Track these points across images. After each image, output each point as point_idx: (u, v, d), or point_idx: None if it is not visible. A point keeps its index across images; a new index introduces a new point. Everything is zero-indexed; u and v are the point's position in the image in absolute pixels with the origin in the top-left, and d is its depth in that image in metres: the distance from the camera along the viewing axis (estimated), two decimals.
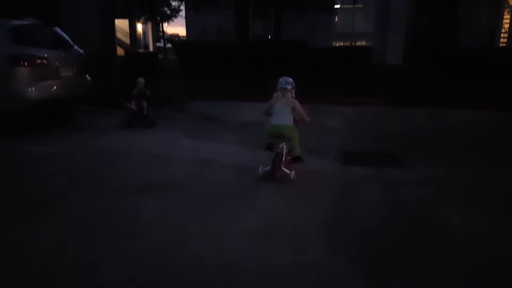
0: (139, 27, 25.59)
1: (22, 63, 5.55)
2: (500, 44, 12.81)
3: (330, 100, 8.34)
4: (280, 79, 4.04)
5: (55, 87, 6.00)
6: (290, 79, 4.04)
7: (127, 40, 24.00)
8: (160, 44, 25.58)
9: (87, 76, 6.98)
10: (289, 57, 11.84)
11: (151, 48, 25.74)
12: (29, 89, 5.65)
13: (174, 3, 21.37)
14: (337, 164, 4.52)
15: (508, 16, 12.91)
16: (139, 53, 14.80)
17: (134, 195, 3.62)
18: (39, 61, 5.75)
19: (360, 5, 15.04)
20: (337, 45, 16.22)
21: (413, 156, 4.77)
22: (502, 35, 12.89)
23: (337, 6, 13.79)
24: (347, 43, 16.09)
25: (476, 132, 6.04)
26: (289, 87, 3.99)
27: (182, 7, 21.01)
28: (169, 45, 23.45)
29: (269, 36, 16.94)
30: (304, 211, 3.30)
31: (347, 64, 12.58)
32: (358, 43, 16.12)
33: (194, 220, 3.13)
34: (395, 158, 4.70)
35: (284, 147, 3.95)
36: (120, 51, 20.46)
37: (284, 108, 3.93)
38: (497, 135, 5.88)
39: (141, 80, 6.28)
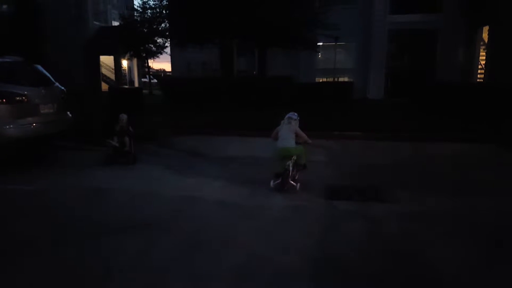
0: (124, 63, 25.88)
1: (1, 100, 5.47)
2: (478, 80, 13.39)
3: (314, 134, 8.40)
4: (287, 115, 4.96)
5: (34, 124, 5.90)
6: (295, 113, 4.97)
7: (112, 76, 24.16)
8: (146, 80, 25.80)
9: (68, 113, 6.91)
10: (274, 92, 12.07)
11: (136, 84, 25.91)
12: (7, 127, 5.53)
13: (159, 40, 21.65)
14: (321, 199, 4.47)
15: (484, 53, 13.60)
16: (123, 89, 14.81)
17: (113, 235, 3.48)
18: (18, 98, 5.68)
19: (342, 43, 15.60)
20: (320, 80, 16.60)
21: (396, 190, 4.77)
22: (479, 71, 13.51)
23: (320, 43, 14.25)
24: (330, 79, 16.48)
25: (458, 165, 6.15)
26: (294, 117, 4.90)
27: (168, 44, 21.38)
28: (154, 80, 23.71)
29: (254, 72, 17.32)
30: (287, 248, 3.21)
31: (330, 99, 12.90)
32: (341, 79, 16.52)
33: (175, 262, 3.00)
34: (379, 192, 4.70)
35: (291, 165, 4.67)
36: (105, 87, 20.54)
37: (288, 133, 4.78)
38: (479, 168, 5.98)
39: (123, 117, 6.23)
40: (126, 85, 22.31)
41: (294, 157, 4.74)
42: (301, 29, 12.36)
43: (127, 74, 26.18)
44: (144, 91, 16.65)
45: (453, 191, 4.77)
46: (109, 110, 10.14)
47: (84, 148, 7.41)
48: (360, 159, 6.58)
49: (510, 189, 4.89)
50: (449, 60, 13.43)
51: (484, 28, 13.35)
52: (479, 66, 13.63)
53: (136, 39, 19.75)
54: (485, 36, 13.37)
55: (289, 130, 4.79)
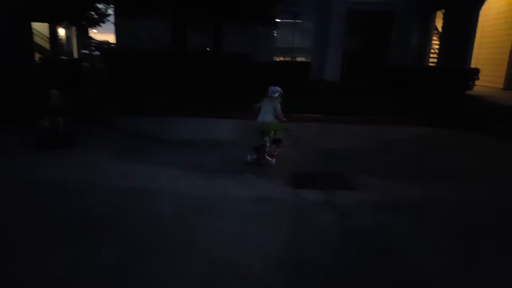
0: (62, 32, 23.39)
1: None
2: (430, 64, 13.75)
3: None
4: (270, 87, 5.03)
5: None
6: (278, 87, 5.04)
7: (47, 45, 21.70)
8: (87, 51, 23.61)
9: None
10: (230, 71, 11.42)
11: (75, 56, 23.63)
12: None
13: (101, 6, 19.49)
14: (287, 188, 4.10)
15: (436, 38, 13.96)
16: (57, 60, 13.26)
17: (42, 239, 2.84)
18: None
19: (300, 21, 15.19)
20: (278, 59, 16.17)
21: (363, 176, 4.55)
22: (431, 55, 13.86)
23: (278, 20, 13.70)
24: (288, 58, 16.11)
25: (419, 148, 6.10)
26: (275, 94, 4.96)
27: (111, 12, 19.42)
28: (97, 52, 21.71)
29: (207, 49, 16.41)
30: (254, 250, 2.80)
31: (288, 78, 12.51)
32: (298, 59, 16.22)
33: (118, 272, 2.46)
34: (345, 179, 4.44)
35: (268, 140, 4.84)
36: (37, 58, 18.34)
37: (267, 108, 4.85)
38: (441, 152, 5.97)
39: (55, 92, 5.34)
40: (64, 56, 20.18)
41: (272, 133, 4.88)
42: (259, 2, 11.73)
43: (65, 45, 23.74)
44: (84, 63, 15.13)
45: (418, 177, 4.63)
46: (40, 84, 8.92)
47: (10, 129, 6.33)
48: (322, 143, 6.32)
49: (475, 175, 4.86)
50: (405, 43, 13.64)
51: (438, 12, 13.65)
52: (431, 50, 14.00)
53: (74, 4, 17.63)
54: (438, 20, 13.71)
55: (269, 105, 4.86)
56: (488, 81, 10.64)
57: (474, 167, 5.16)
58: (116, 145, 5.75)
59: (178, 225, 3.18)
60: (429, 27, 13.44)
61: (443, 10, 13.12)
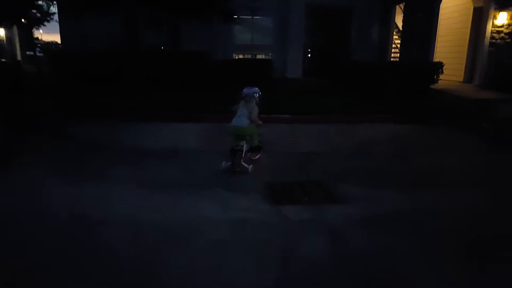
0: (1, 32, 21.31)
1: None
2: (392, 59, 13.80)
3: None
4: (245, 89, 4.68)
5: None
6: (255, 88, 4.71)
7: None
8: (32, 53, 21.66)
9: None
10: (188, 70, 10.70)
11: (19, 58, 21.66)
12: None
13: (42, 3, 17.84)
14: (266, 205, 3.57)
15: (396, 34, 14.04)
16: None
17: None
18: None
19: (258, 17, 14.70)
20: (238, 57, 15.60)
21: (345, 184, 4.12)
22: (393, 50, 13.92)
23: (236, 16, 13.12)
24: (248, 56, 15.59)
25: (395, 149, 5.81)
26: (252, 94, 4.62)
27: (55, 10, 17.84)
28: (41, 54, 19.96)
29: (162, 47, 15.47)
30: None
31: (249, 77, 12.00)
32: (259, 56, 15.75)
33: None
34: (327, 190, 3.99)
35: (245, 145, 4.52)
36: None
37: (242, 110, 4.54)
38: (419, 152, 5.70)
39: None
40: (4, 59, 18.31)
41: (248, 138, 4.58)
42: None
43: (5, 46, 21.66)
44: (32, 67, 13.72)
45: (403, 184, 4.28)
46: None
47: None
48: (295, 147, 5.86)
49: (461, 178, 4.59)
50: (365, 39, 13.60)
51: (397, 6, 13.71)
52: (393, 45, 14.06)
53: (12, 2, 15.94)
54: (398, 16, 13.78)
55: (244, 107, 4.57)
56: (449, 74, 10.74)
57: (458, 168, 4.92)
58: (61, 159, 4.93)
59: (134, 265, 2.54)
60: (389, 22, 13.49)
61: (402, 5, 13.17)
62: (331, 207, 3.52)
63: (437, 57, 11.47)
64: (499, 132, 6.56)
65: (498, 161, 5.36)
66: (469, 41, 11.89)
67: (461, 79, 12.29)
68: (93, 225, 3.07)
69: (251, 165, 4.57)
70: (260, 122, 4.69)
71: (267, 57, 15.57)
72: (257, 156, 5.01)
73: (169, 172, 4.49)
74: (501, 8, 10.11)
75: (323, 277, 2.44)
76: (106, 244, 2.81)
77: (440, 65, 9.85)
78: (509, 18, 9.97)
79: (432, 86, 10.22)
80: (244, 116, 4.51)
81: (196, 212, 3.37)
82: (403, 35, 12.05)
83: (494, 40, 10.50)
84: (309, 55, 15.38)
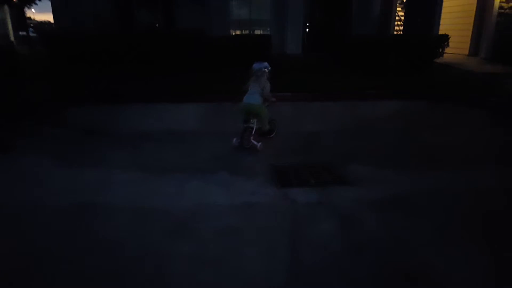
0: None
1: None
2: (395, 32, 13.40)
3: (234, 97, 7.31)
4: (254, 64, 4.57)
5: None
6: (265, 63, 4.63)
7: None
8: (25, 33, 21.12)
9: None
10: (184, 47, 10.38)
11: (12, 38, 21.13)
12: None
13: None
14: (272, 189, 3.47)
15: (400, 8, 13.58)
16: None
17: None
18: None
19: None
20: (235, 33, 15.16)
21: (353, 165, 4.02)
22: (396, 23, 13.50)
23: None
24: (246, 32, 15.15)
25: (402, 126, 5.67)
26: (262, 69, 4.50)
27: None
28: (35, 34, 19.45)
29: (156, 25, 15.02)
30: (245, 277, 2.17)
31: (247, 54, 11.69)
32: (257, 32, 15.30)
33: None
34: (335, 171, 3.88)
35: (255, 122, 4.50)
36: None
37: (254, 87, 4.41)
38: (426, 128, 5.57)
39: None
40: None
41: (258, 119, 4.50)
42: None
43: None
44: (24, 47, 13.36)
45: (413, 163, 4.17)
46: None
47: None
48: (300, 126, 5.73)
49: (471, 156, 4.47)
50: (366, 12, 13.13)
51: None
52: (396, 18, 13.63)
53: None
54: None
55: (256, 84, 4.43)
56: (453, 47, 10.44)
57: (467, 145, 4.80)
58: (62, 146, 4.82)
59: (140, 254, 2.46)
60: None
61: None
62: (339, 189, 3.43)
63: (442, 30, 11.11)
64: (507, 106, 6.41)
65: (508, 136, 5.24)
66: (476, 12, 11.51)
67: (466, 52, 11.99)
68: (99, 213, 2.98)
69: (260, 143, 4.52)
70: (274, 99, 4.58)
71: (265, 33, 15.11)
72: (270, 136, 5.01)
73: (170, 157, 4.39)
74: None
75: (335, 265, 2.36)
76: (110, 227, 2.73)
77: (445, 37, 9.53)
78: None
79: (437, 60, 9.96)
80: (256, 93, 4.40)
81: (201, 197, 3.28)
82: (407, 5, 11.63)
83: (503, 10, 10.16)
84: (309, 30, 14.93)
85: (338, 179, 3.68)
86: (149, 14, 14.96)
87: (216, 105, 7.06)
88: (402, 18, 12.89)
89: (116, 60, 9.59)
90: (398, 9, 13.80)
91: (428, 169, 3.93)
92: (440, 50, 9.66)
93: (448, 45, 9.62)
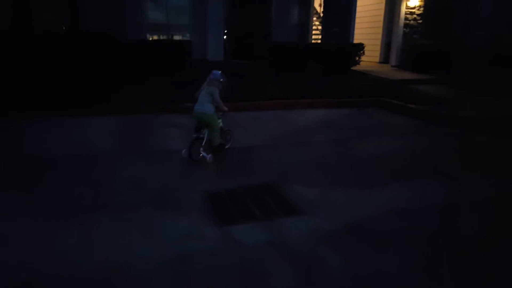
0: None
1: None
2: (313, 40, 13.67)
3: (156, 108, 6.51)
4: (211, 72, 4.31)
5: None
6: (219, 72, 4.30)
7: None
8: None
9: None
10: (93, 52, 9.16)
11: None
12: None
13: None
14: (211, 227, 2.84)
15: (315, 18, 13.93)
16: None
17: None
18: None
19: None
20: (152, 38, 14.09)
21: (297, 186, 3.60)
22: (313, 31, 13.78)
23: None
24: (164, 37, 14.17)
25: (336, 136, 5.47)
26: (217, 78, 4.24)
27: None
28: None
29: (63, 27, 13.26)
30: None
31: (166, 60, 10.85)
32: (176, 37, 14.42)
33: None
34: (280, 196, 3.40)
35: (206, 133, 4.19)
36: None
37: (205, 96, 4.16)
38: (360, 137, 5.45)
39: None
40: None
41: (204, 132, 4.21)
42: None
43: None
44: None
45: (360, 179, 3.90)
46: None
47: None
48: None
49: (412, 167, 4.36)
50: (285, 20, 13.20)
51: None
52: (313, 27, 13.93)
53: None
54: None
55: (206, 92, 4.19)
56: (366, 55, 10.94)
57: (405, 154, 4.74)
58: None
59: None
60: (308, 2, 13.25)
61: None
62: (289, 222, 2.93)
63: (356, 39, 11.61)
64: (429, 111, 6.69)
65: (440, 142, 5.35)
66: (384, 22, 12.27)
67: (377, 59, 12.73)
68: None
69: (210, 155, 4.19)
70: (225, 108, 4.28)
71: (185, 38, 14.32)
72: (220, 152, 4.46)
73: (78, 189, 3.46)
74: None
75: None
76: None
77: (361, 46, 9.90)
78: (420, 0, 10.40)
79: (353, 67, 10.30)
80: (207, 102, 4.14)
81: (118, 251, 2.50)
82: (324, 16, 11.93)
83: (408, 21, 10.92)
84: (230, 37, 14.55)
85: (285, 207, 3.19)
86: (56, 15, 13.07)
87: (134, 117, 6.18)
88: (319, 27, 13.20)
89: (9, 62, 8.00)
90: (314, 19, 14.17)
91: (375, 185, 3.68)
92: (357, 58, 10.00)
93: (363, 53, 10.00)
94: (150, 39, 13.97)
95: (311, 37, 13.67)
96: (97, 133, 5.31)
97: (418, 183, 3.77)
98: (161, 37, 14.14)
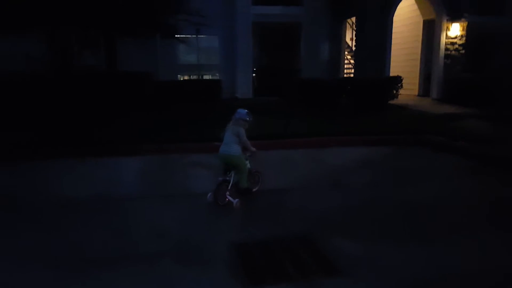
0: None
1: None
2: (345, 75, 13.42)
3: (189, 147, 6.33)
4: (237, 111, 4.04)
5: None
6: (244, 111, 4.02)
7: None
8: None
9: None
10: (127, 92, 9.34)
11: None
12: None
13: None
14: (236, 287, 2.42)
15: (347, 52, 13.77)
16: None
17: None
18: None
19: (204, 36, 13.71)
20: (183, 78, 14.39)
21: (338, 238, 3.13)
22: (345, 66, 13.56)
23: (178, 36, 12.04)
24: (194, 76, 14.45)
25: (379, 180, 4.94)
26: (242, 116, 3.96)
27: None
28: None
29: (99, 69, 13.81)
30: None
31: (197, 99, 10.93)
32: (206, 77, 14.65)
33: None
34: (317, 251, 2.93)
35: (232, 176, 3.94)
36: None
37: (231, 136, 3.93)
38: (404, 182, 4.86)
39: None
40: None
41: (231, 174, 3.94)
42: (159, 12, 9.96)
43: None
44: None
45: (407, 230, 3.38)
46: None
47: None
48: (264, 180, 4.77)
49: (467, 219, 3.78)
50: (315, 55, 13.09)
51: (347, 25, 13.42)
52: (345, 61, 13.73)
53: None
54: (348, 32, 13.51)
55: (232, 132, 3.93)
56: (404, 88, 10.47)
57: (460, 201, 4.14)
58: None
59: None
60: (339, 38, 13.12)
61: (352, 19, 12.88)
62: (330, 284, 2.47)
63: (392, 72, 11.20)
64: (480, 151, 6.01)
65: (499, 187, 4.69)
66: (421, 54, 11.82)
67: (415, 92, 12.17)
68: None
69: (236, 200, 3.85)
70: (253, 149, 4.02)
71: (214, 77, 14.53)
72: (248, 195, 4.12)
73: (97, 237, 3.20)
74: (453, 19, 10.06)
75: None
76: None
77: (399, 79, 9.46)
78: (461, 29, 9.93)
79: (391, 101, 9.83)
80: (233, 142, 3.89)
81: None
82: (356, 49, 11.68)
83: (449, 52, 10.42)
84: (259, 74, 14.57)
85: (324, 265, 2.73)
86: (93, 57, 13.75)
87: (161, 158, 6.02)
88: (352, 61, 12.95)
89: (46, 105, 8.25)
90: (346, 53, 13.97)
91: (430, 240, 3.13)
92: (395, 92, 9.55)
93: (401, 87, 9.54)
94: (181, 79, 14.31)
95: (343, 71, 13.43)
96: (123, 174, 5.17)
97: (481, 238, 3.18)
98: (192, 77, 14.44)
